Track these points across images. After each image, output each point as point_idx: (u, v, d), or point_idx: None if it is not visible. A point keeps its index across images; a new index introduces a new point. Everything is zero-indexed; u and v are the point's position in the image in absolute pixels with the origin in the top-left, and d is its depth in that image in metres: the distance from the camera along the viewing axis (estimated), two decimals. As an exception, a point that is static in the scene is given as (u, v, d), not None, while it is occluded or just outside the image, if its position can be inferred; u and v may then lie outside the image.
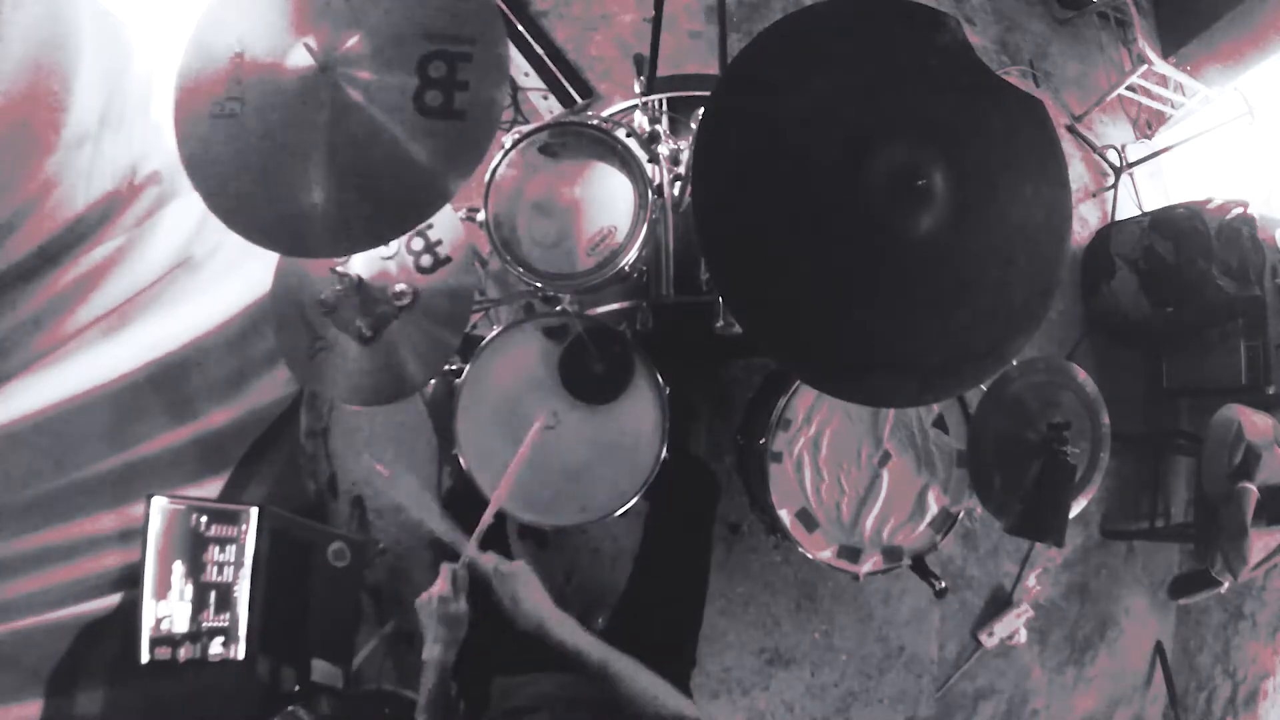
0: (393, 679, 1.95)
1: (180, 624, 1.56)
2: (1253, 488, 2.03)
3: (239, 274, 1.82)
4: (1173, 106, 2.64)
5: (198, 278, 1.77)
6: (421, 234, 1.36)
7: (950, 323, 1.01)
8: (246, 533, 1.67)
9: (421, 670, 1.13)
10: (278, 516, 1.74)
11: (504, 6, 2.22)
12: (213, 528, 1.62)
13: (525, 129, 1.41)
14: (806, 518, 1.60)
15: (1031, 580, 2.41)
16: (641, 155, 1.40)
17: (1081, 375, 1.59)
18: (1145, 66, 2.38)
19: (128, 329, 1.59)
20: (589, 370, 1.48)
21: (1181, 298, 2.24)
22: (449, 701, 1.14)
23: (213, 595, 1.60)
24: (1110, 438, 1.62)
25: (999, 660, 2.38)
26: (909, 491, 1.62)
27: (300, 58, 0.97)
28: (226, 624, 1.62)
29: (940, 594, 1.60)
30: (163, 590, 1.54)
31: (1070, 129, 2.64)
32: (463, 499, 1.50)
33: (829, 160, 0.98)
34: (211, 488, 1.83)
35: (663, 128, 1.57)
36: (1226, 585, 2.23)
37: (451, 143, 0.97)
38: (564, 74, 2.29)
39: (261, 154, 1.00)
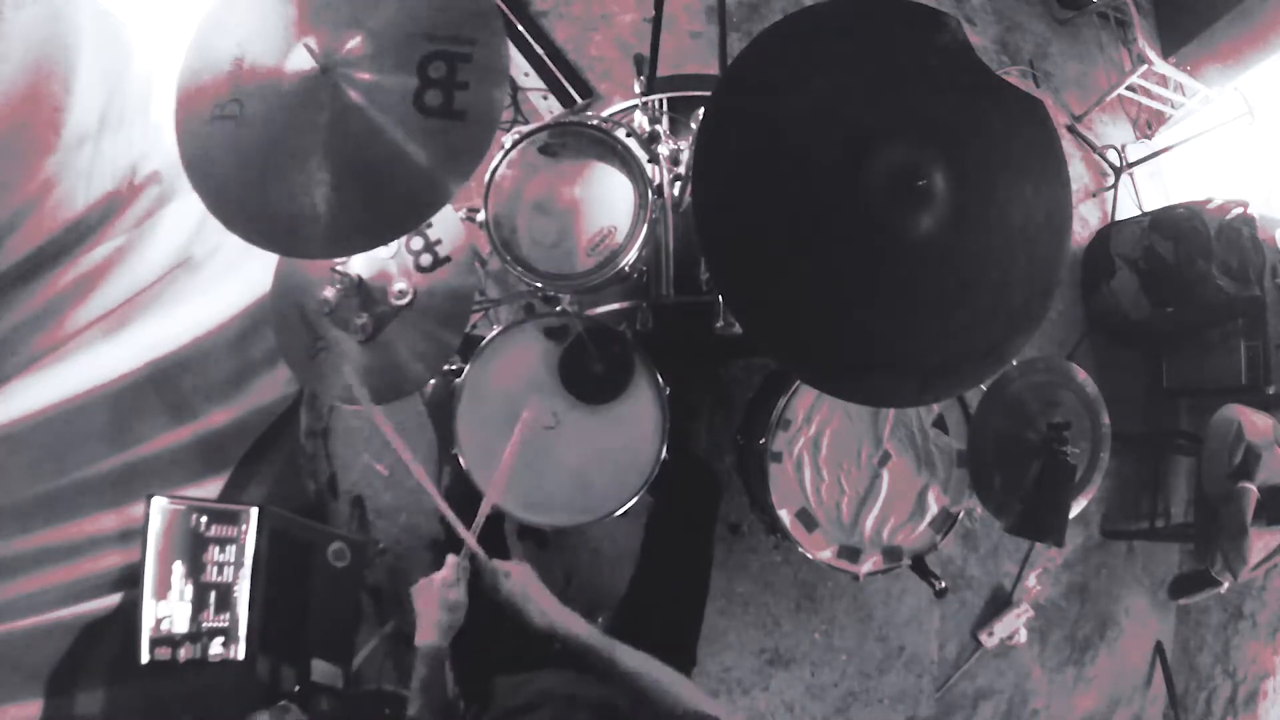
0: (393, 679, 1.95)
1: (180, 624, 1.56)
2: (1253, 488, 2.03)
3: (239, 274, 1.82)
4: (1173, 106, 2.64)
5: (197, 278, 1.76)
6: (421, 234, 1.36)
7: (950, 323, 1.01)
8: (246, 533, 1.67)
9: (416, 656, 1.13)
10: (278, 516, 1.74)
11: (504, 6, 2.22)
12: (213, 528, 1.62)
13: (525, 129, 1.41)
14: (806, 518, 1.60)
15: (1031, 580, 2.41)
16: (641, 155, 1.40)
17: (1081, 375, 1.59)
18: (1145, 66, 2.38)
19: (128, 329, 1.59)
20: (589, 370, 1.48)
21: (1181, 298, 2.24)
22: (444, 692, 1.14)
23: (213, 595, 1.60)
24: (1110, 438, 1.62)
25: (999, 660, 2.38)
26: (909, 491, 1.62)
27: (301, 59, 0.97)
28: (226, 624, 1.62)
29: (940, 594, 1.60)
30: (163, 590, 1.54)
31: (1070, 129, 2.65)
32: (463, 499, 1.50)
33: (829, 160, 0.98)
34: (211, 488, 1.83)
35: (663, 128, 1.57)
36: (1226, 585, 2.24)
37: (451, 143, 0.97)
38: (564, 74, 2.29)
39: (262, 156, 1.00)
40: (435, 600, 1.14)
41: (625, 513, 1.47)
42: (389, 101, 0.97)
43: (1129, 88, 2.52)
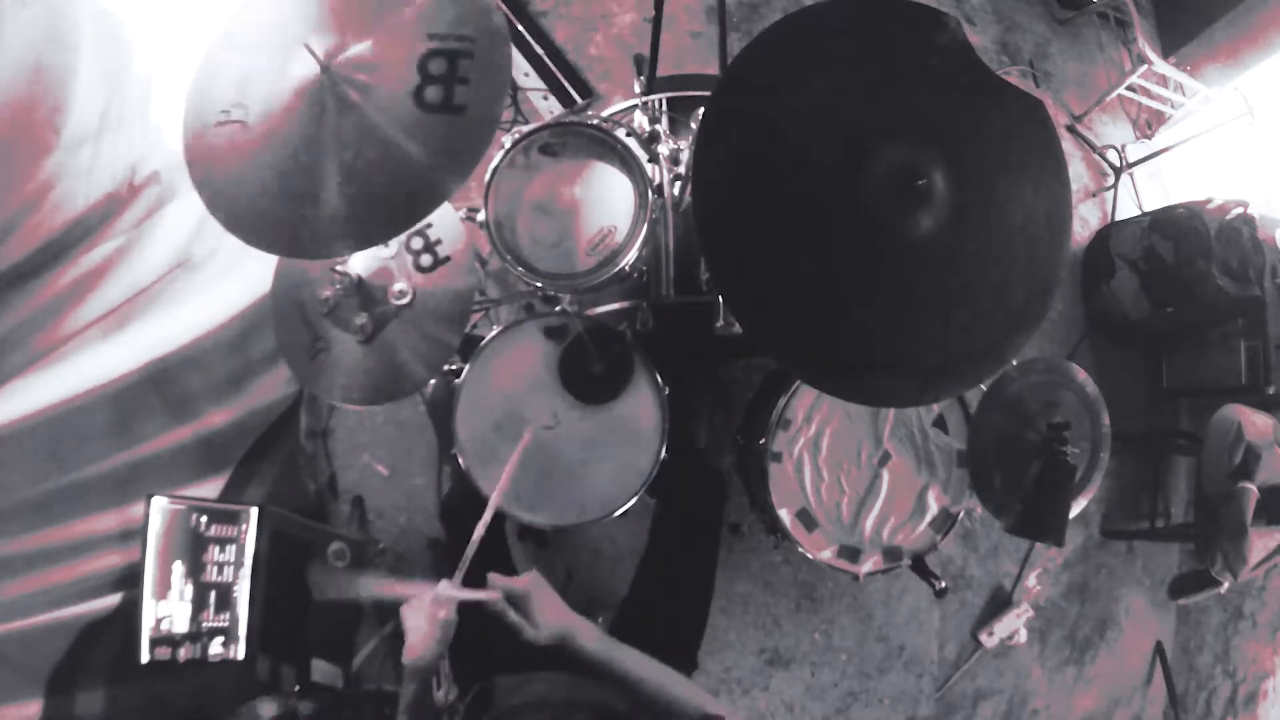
0: (393, 679, 1.95)
1: (180, 624, 1.56)
2: (1253, 488, 2.03)
3: (238, 274, 1.82)
4: (1173, 106, 2.64)
5: (197, 278, 1.76)
6: (421, 234, 1.36)
7: (950, 323, 1.01)
8: (246, 533, 1.67)
9: (404, 674, 1.11)
10: (278, 516, 1.74)
11: (504, 6, 2.22)
12: (213, 528, 1.62)
13: (525, 129, 1.41)
14: (806, 518, 1.60)
15: (1031, 580, 2.41)
16: (641, 155, 1.40)
17: (1081, 375, 1.59)
18: (1145, 66, 2.38)
19: (127, 329, 1.59)
20: (589, 370, 1.48)
21: (1181, 298, 2.24)
22: (431, 707, 1.12)
23: (213, 595, 1.60)
24: (1110, 438, 1.62)
25: (999, 660, 2.38)
26: (909, 491, 1.62)
27: (302, 61, 0.97)
28: (226, 624, 1.62)
29: (940, 594, 1.60)
30: (163, 590, 1.54)
31: (1070, 129, 2.65)
32: (463, 499, 1.50)
33: (829, 160, 0.98)
34: (211, 488, 1.83)
35: (663, 128, 1.57)
36: (1226, 585, 2.24)
37: (452, 138, 0.97)
38: (564, 74, 2.29)
39: (263, 157, 1.00)
40: (424, 619, 1.08)
41: (625, 513, 1.47)
42: (389, 99, 0.97)
43: (1129, 88, 2.52)
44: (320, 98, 0.98)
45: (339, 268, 1.32)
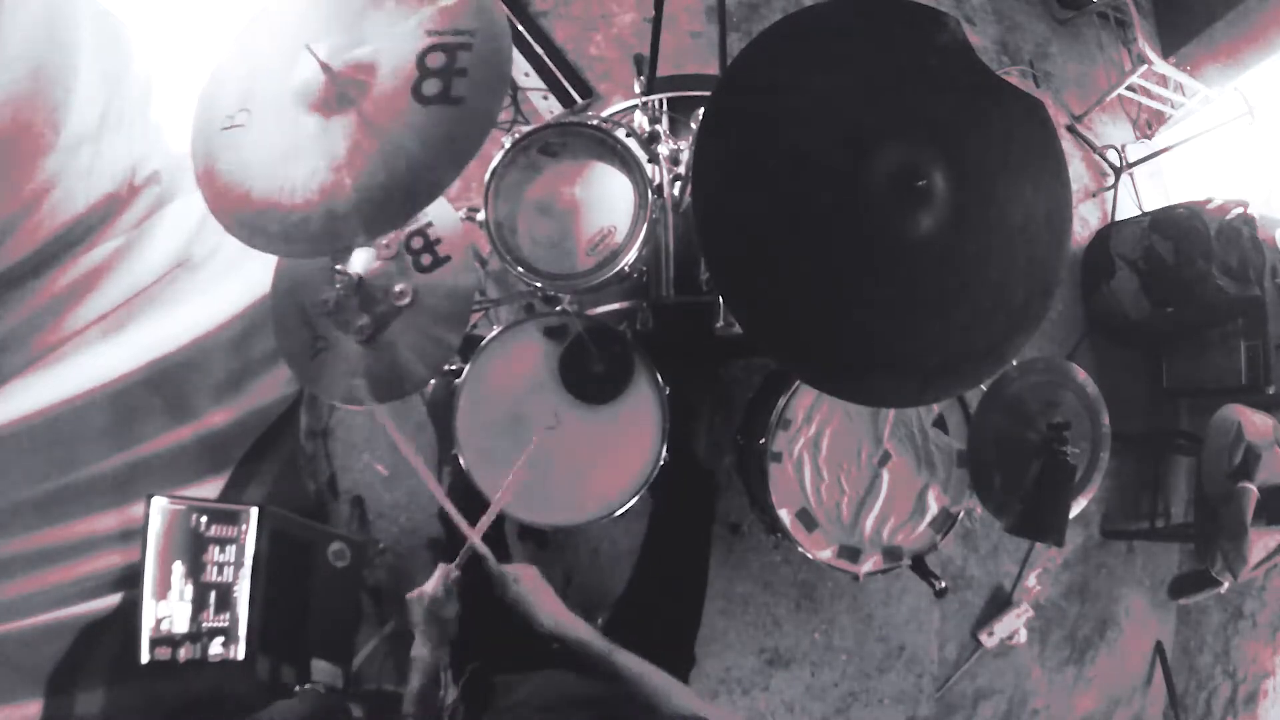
0: (393, 679, 1.95)
1: (180, 624, 1.56)
2: (1253, 488, 2.03)
3: (238, 274, 1.82)
4: (1173, 106, 2.64)
5: (197, 278, 1.76)
6: (421, 233, 1.36)
7: (950, 323, 1.01)
8: (246, 533, 1.67)
9: (410, 666, 1.13)
10: (278, 516, 1.74)
11: (504, 6, 2.22)
12: (213, 528, 1.62)
13: (525, 129, 1.41)
14: (806, 518, 1.60)
15: (1031, 580, 2.41)
16: (641, 155, 1.40)
17: (1081, 375, 1.59)
18: (1145, 66, 2.38)
19: (127, 329, 1.59)
20: (589, 370, 1.48)
21: (1181, 298, 2.24)
22: (437, 700, 1.14)
23: (213, 595, 1.60)
24: (1110, 438, 1.62)
25: (999, 660, 2.38)
26: (909, 491, 1.62)
27: (305, 61, 0.98)
28: (226, 624, 1.62)
29: (940, 594, 1.60)
30: (163, 590, 1.54)
31: (1070, 129, 2.65)
32: (463, 499, 1.50)
33: (829, 160, 0.98)
34: (211, 488, 1.83)
35: (663, 128, 1.57)
36: (1226, 585, 2.24)
37: (450, 130, 0.97)
38: (564, 74, 2.29)
39: (263, 157, 1.00)
40: (424, 615, 1.13)
41: (625, 512, 1.47)
42: (387, 94, 0.98)
43: (1129, 88, 2.52)
44: (321, 95, 0.98)
45: (339, 268, 1.31)
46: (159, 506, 1.54)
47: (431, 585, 1.14)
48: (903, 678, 2.29)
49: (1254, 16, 2.35)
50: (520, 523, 1.48)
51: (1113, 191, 2.66)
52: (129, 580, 1.54)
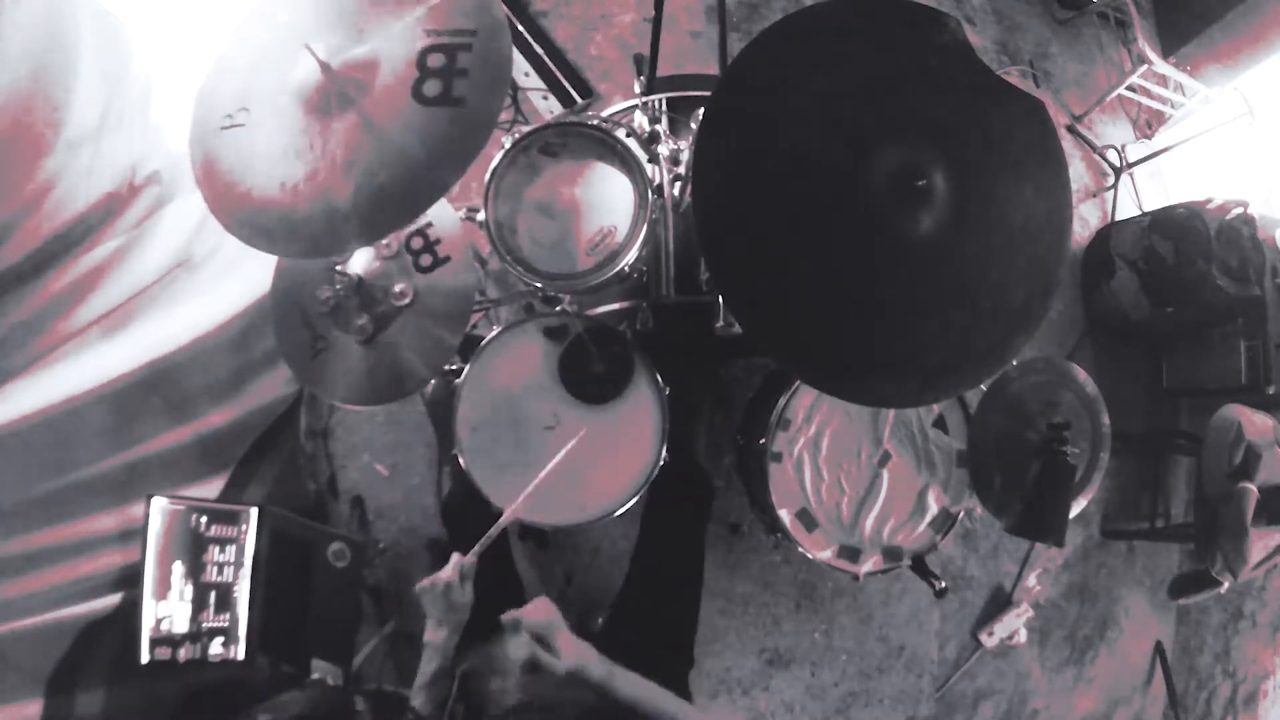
0: (393, 679, 1.95)
1: (180, 624, 1.56)
2: (1253, 488, 2.03)
3: (238, 274, 1.82)
4: (1173, 106, 2.64)
5: (197, 278, 1.77)
6: (421, 233, 1.36)
7: (950, 323, 1.01)
8: (246, 533, 1.67)
9: (423, 651, 1.15)
10: (278, 516, 1.74)
11: (504, 6, 2.22)
12: (213, 528, 1.62)
13: (525, 129, 1.41)
14: (806, 518, 1.60)
15: (1031, 580, 2.41)
16: (641, 155, 1.40)
17: (1081, 375, 1.59)
18: (1145, 66, 2.38)
19: (127, 329, 1.59)
20: (589, 370, 1.48)
21: (1181, 298, 2.24)
22: (449, 688, 1.14)
23: (213, 595, 1.61)
24: (1110, 438, 1.62)
25: (999, 660, 2.38)
26: (909, 491, 1.62)
27: (304, 61, 0.98)
28: (226, 624, 1.62)
29: (940, 594, 1.60)
30: (163, 590, 1.54)
31: (1070, 129, 2.64)
32: (463, 499, 1.50)
33: (829, 160, 0.98)
34: (211, 488, 1.83)
35: (663, 128, 1.57)
36: (1226, 585, 2.24)
37: (451, 131, 0.97)
38: (564, 74, 2.29)
39: (264, 157, 1.00)
40: (440, 601, 1.15)
41: (625, 512, 1.47)
42: (388, 95, 0.98)
43: (1129, 88, 2.52)
44: (321, 95, 0.98)
45: (339, 268, 1.32)
46: (159, 506, 1.54)
47: (447, 572, 1.16)
48: (903, 678, 2.29)
49: (1254, 17, 2.35)
50: (521, 523, 1.48)
51: (1113, 191, 2.66)
52: (129, 580, 1.54)
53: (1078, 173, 2.64)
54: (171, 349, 1.69)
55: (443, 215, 1.37)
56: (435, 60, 0.97)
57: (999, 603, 2.38)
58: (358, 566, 1.83)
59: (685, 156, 1.59)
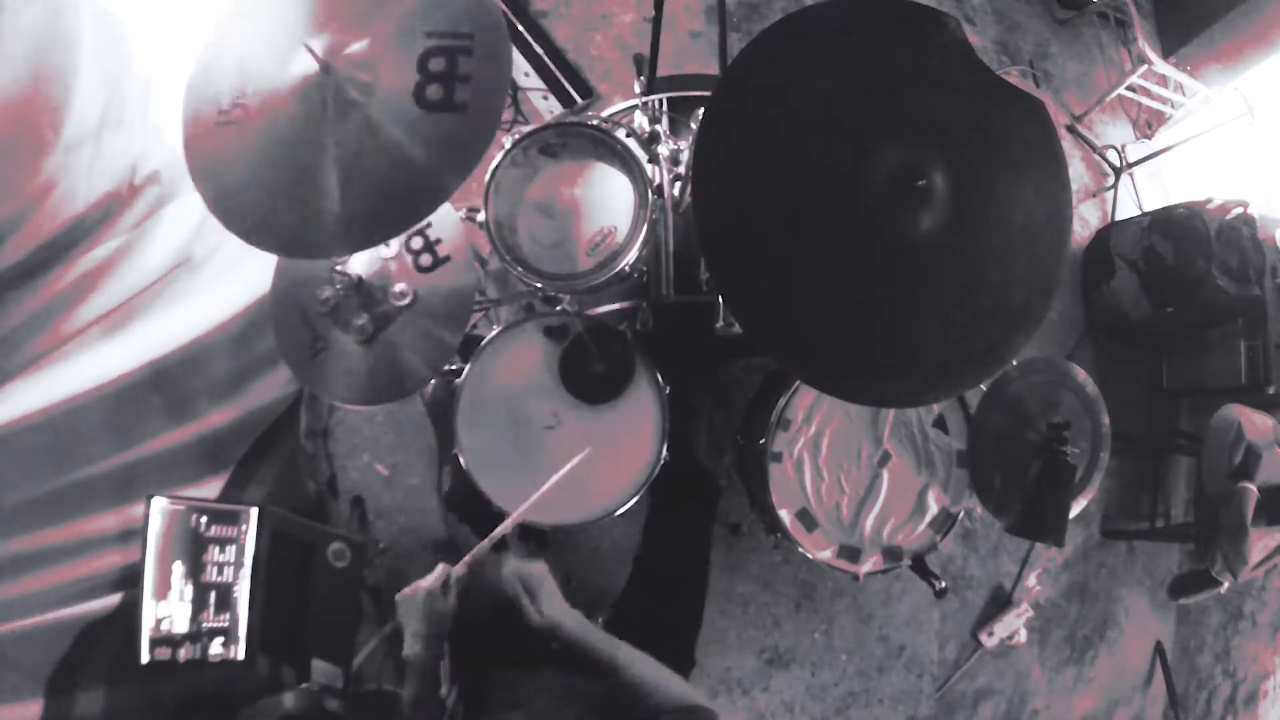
0: (393, 679, 1.95)
1: (180, 624, 1.56)
2: (1253, 488, 2.03)
3: (239, 274, 1.82)
4: (1173, 106, 2.64)
5: (197, 278, 1.76)
6: (421, 233, 1.36)
7: (950, 323, 1.01)
8: (246, 533, 1.67)
9: (405, 670, 1.13)
10: (278, 516, 1.74)
11: (504, 6, 2.22)
12: (213, 528, 1.62)
13: (525, 129, 1.41)
14: (806, 518, 1.60)
15: (1031, 580, 2.41)
16: (641, 155, 1.40)
17: (1081, 375, 1.59)
18: (1145, 66, 2.38)
19: (128, 329, 1.59)
20: (589, 370, 1.48)
21: (1181, 298, 2.24)
22: (436, 702, 1.13)
23: (213, 595, 1.60)
24: (1110, 438, 1.62)
25: (999, 660, 2.38)
26: (909, 491, 1.62)
27: (302, 60, 0.97)
28: (226, 624, 1.62)
29: (940, 594, 1.60)
30: (163, 590, 1.54)
31: (1070, 129, 2.65)
32: (462, 499, 1.50)
33: (829, 160, 0.98)
34: (211, 488, 1.83)
35: (663, 128, 1.57)
36: (1226, 585, 2.24)
37: (453, 136, 0.97)
38: (564, 74, 2.29)
39: (266, 158, 1.00)
40: (419, 610, 1.11)
41: (625, 512, 1.47)
42: (389, 98, 0.97)
43: (1129, 88, 2.52)
44: (321, 96, 0.98)
45: (339, 268, 1.32)
46: (159, 506, 1.54)
47: (429, 581, 1.12)
48: (903, 678, 2.29)
49: (1254, 17, 2.35)
50: (521, 522, 1.47)
51: (1113, 191, 2.66)
52: (129, 580, 1.54)
53: (1078, 173, 2.65)
54: (171, 349, 1.69)
55: (443, 215, 1.37)
56: (436, 64, 0.97)
57: (999, 603, 2.38)
58: (358, 566, 1.83)
59: (685, 156, 1.59)
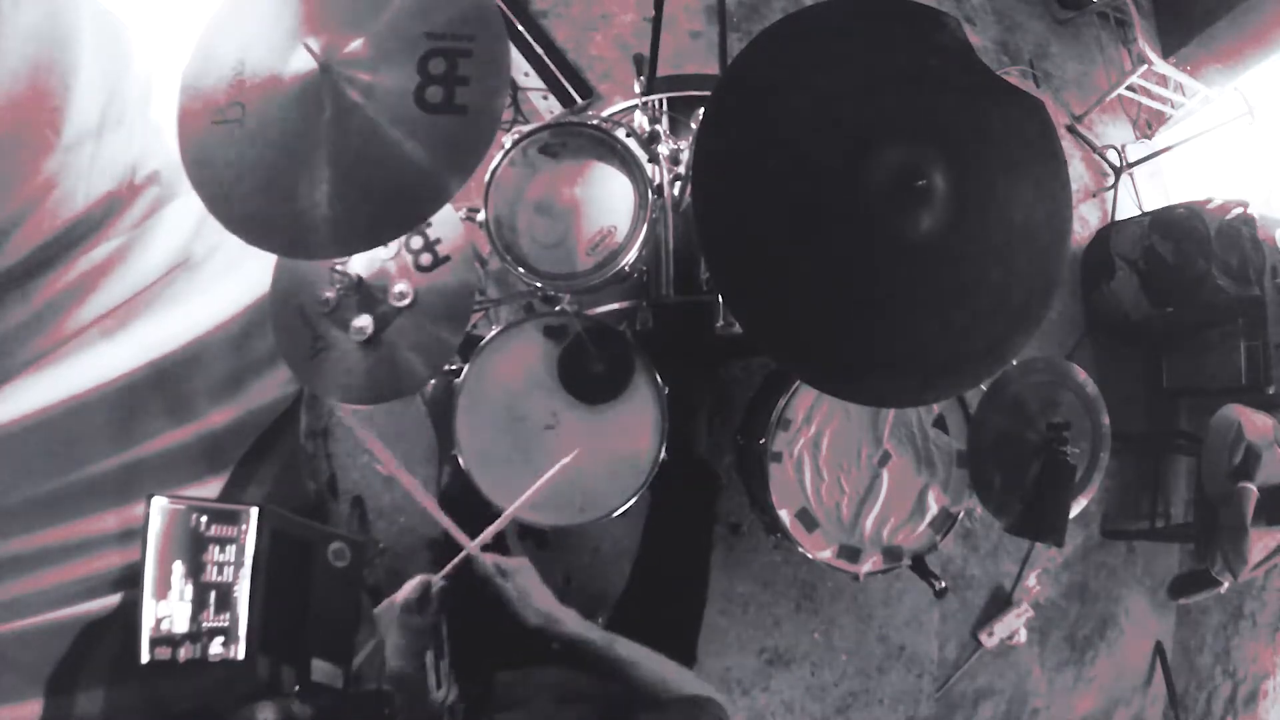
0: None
1: (180, 624, 1.55)
2: (1253, 488, 2.03)
3: (238, 274, 1.82)
4: (1173, 106, 2.64)
5: (197, 278, 1.76)
6: (421, 233, 1.36)
7: (950, 323, 1.01)
8: (246, 533, 1.66)
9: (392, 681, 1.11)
10: (278, 516, 1.73)
11: (504, 6, 2.22)
12: (213, 528, 1.62)
13: (525, 129, 1.41)
14: (806, 518, 1.60)
15: (1031, 580, 2.41)
16: (641, 155, 1.40)
17: (1081, 375, 1.59)
18: (1145, 66, 2.38)
19: (127, 329, 1.59)
20: (589, 370, 1.48)
21: (1181, 298, 2.24)
22: (426, 709, 1.11)
23: (213, 595, 1.60)
24: (1110, 438, 1.62)
25: (999, 660, 2.38)
26: (909, 491, 1.62)
27: (301, 60, 0.97)
28: (226, 624, 1.62)
29: (940, 594, 1.60)
30: (163, 590, 1.54)
31: (1070, 129, 2.65)
32: (460, 500, 1.50)
33: (829, 160, 0.98)
34: (211, 488, 1.83)
35: (663, 128, 1.57)
36: (1226, 585, 2.24)
37: (453, 138, 0.97)
38: (564, 74, 2.29)
39: (264, 157, 1.00)
40: (395, 625, 1.08)
41: (625, 512, 1.47)
42: (390, 99, 0.97)
43: (1129, 88, 2.52)
44: (319, 96, 0.98)
45: (339, 268, 1.31)
46: (159, 506, 1.54)
47: (403, 594, 1.09)
48: (903, 678, 2.29)
49: (1254, 17, 2.35)
50: (520, 523, 1.48)
51: (1113, 191, 2.66)
52: (129, 580, 1.54)
53: (1078, 173, 2.65)
54: (171, 349, 1.69)
55: (443, 215, 1.37)
56: (436, 66, 0.97)
57: (999, 603, 2.38)
58: (358, 566, 1.82)
59: (685, 156, 1.59)
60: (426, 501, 1.14)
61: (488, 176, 1.39)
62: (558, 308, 1.50)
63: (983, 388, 1.53)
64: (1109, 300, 2.43)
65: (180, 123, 1.03)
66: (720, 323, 1.50)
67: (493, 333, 1.50)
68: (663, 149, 1.47)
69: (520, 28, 2.28)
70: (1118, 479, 2.49)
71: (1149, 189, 2.71)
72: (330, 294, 1.32)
